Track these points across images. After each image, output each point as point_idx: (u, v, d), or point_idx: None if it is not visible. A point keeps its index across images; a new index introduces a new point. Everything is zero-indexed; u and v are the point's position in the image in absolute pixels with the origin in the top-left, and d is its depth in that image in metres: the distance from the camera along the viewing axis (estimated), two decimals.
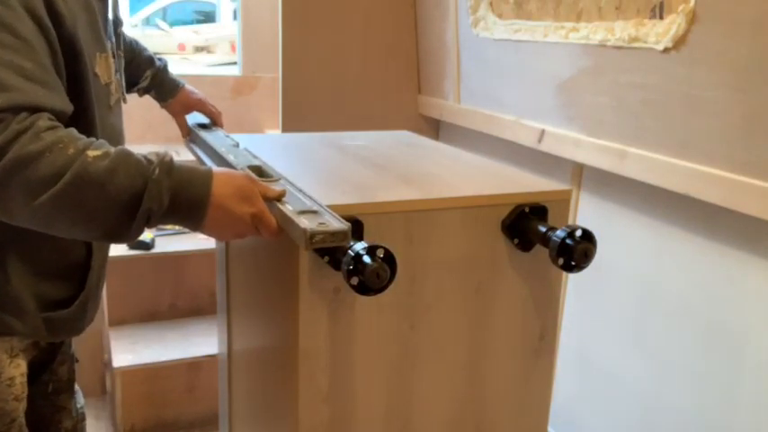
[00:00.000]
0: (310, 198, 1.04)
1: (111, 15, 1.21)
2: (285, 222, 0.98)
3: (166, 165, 0.94)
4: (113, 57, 1.20)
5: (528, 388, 1.27)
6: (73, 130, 0.95)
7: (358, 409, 1.14)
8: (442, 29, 2.38)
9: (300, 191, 1.07)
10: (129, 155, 0.94)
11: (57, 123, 0.94)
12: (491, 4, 2.09)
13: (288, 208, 0.99)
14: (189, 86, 1.61)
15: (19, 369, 1.16)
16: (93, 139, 0.96)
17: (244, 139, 1.51)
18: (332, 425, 1.13)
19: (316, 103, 2.47)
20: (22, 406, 1.18)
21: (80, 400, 1.43)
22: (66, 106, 0.99)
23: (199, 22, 10.63)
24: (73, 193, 0.90)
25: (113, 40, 1.21)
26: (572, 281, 1.98)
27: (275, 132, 2.79)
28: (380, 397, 1.16)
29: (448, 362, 1.19)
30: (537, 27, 1.90)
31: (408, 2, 2.54)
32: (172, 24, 10.10)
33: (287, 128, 2.45)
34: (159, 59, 1.58)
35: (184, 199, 0.95)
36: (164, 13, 10.35)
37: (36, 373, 1.27)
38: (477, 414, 1.24)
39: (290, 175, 1.15)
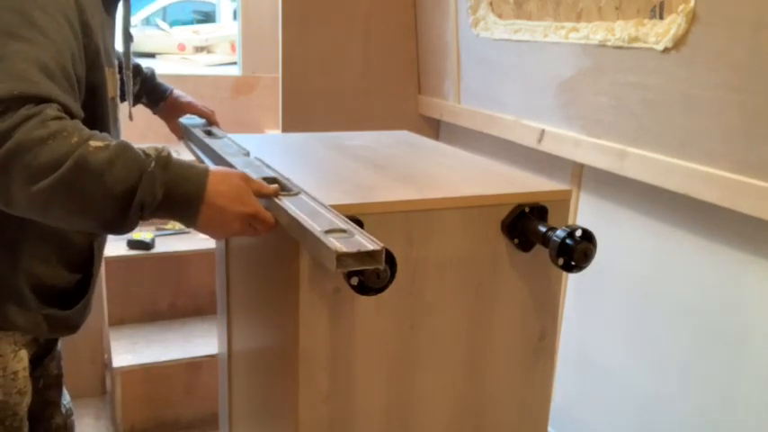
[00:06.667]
0: (337, 215, 0.98)
1: (121, 32, 1.25)
2: (312, 242, 0.92)
3: (163, 159, 0.95)
4: (120, 72, 1.22)
5: (528, 388, 1.27)
6: (78, 122, 0.95)
7: (358, 409, 1.14)
8: (442, 29, 2.38)
9: (328, 208, 1.01)
10: (128, 148, 0.94)
11: (64, 114, 0.94)
12: (491, 4, 2.09)
13: (315, 228, 0.93)
14: (177, 91, 1.64)
15: (21, 363, 1.18)
16: (96, 131, 0.96)
17: (244, 139, 1.51)
18: (332, 425, 1.13)
19: (316, 103, 2.47)
20: (26, 400, 1.20)
21: (66, 396, 1.45)
22: (77, 110, 1.00)
23: (199, 22, 10.64)
24: (71, 181, 0.90)
25: (122, 56, 1.23)
26: (572, 281, 1.98)
27: (275, 132, 2.79)
28: (380, 397, 1.16)
29: (448, 362, 1.19)
30: (537, 27, 1.90)
31: (408, 2, 2.54)
32: (172, 24, 10.11)
33: (287, 128, 2.45)
34: (147, 67, 1.61)
35: (178, 194, 0.95)
36: (164, 13, 10.35)
37: (30, 369, 1.28)
38: (477, 414, 1.24)
39: (290, 175, 1.15)
